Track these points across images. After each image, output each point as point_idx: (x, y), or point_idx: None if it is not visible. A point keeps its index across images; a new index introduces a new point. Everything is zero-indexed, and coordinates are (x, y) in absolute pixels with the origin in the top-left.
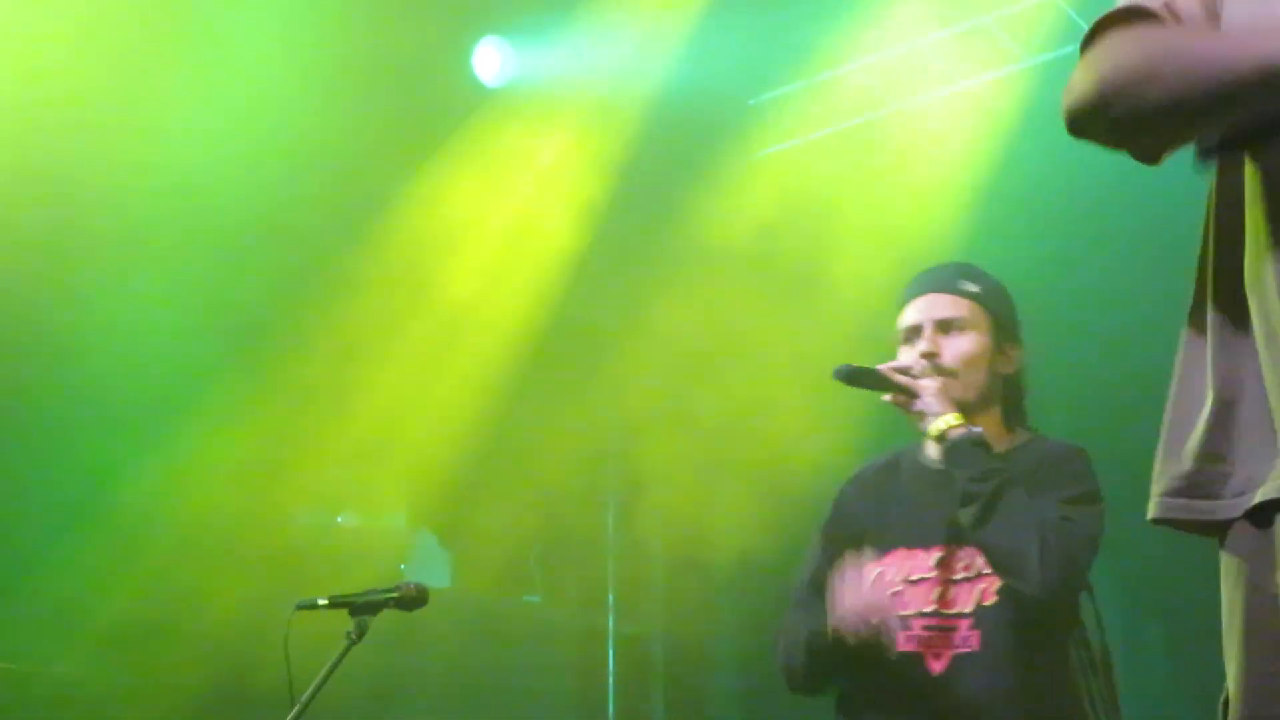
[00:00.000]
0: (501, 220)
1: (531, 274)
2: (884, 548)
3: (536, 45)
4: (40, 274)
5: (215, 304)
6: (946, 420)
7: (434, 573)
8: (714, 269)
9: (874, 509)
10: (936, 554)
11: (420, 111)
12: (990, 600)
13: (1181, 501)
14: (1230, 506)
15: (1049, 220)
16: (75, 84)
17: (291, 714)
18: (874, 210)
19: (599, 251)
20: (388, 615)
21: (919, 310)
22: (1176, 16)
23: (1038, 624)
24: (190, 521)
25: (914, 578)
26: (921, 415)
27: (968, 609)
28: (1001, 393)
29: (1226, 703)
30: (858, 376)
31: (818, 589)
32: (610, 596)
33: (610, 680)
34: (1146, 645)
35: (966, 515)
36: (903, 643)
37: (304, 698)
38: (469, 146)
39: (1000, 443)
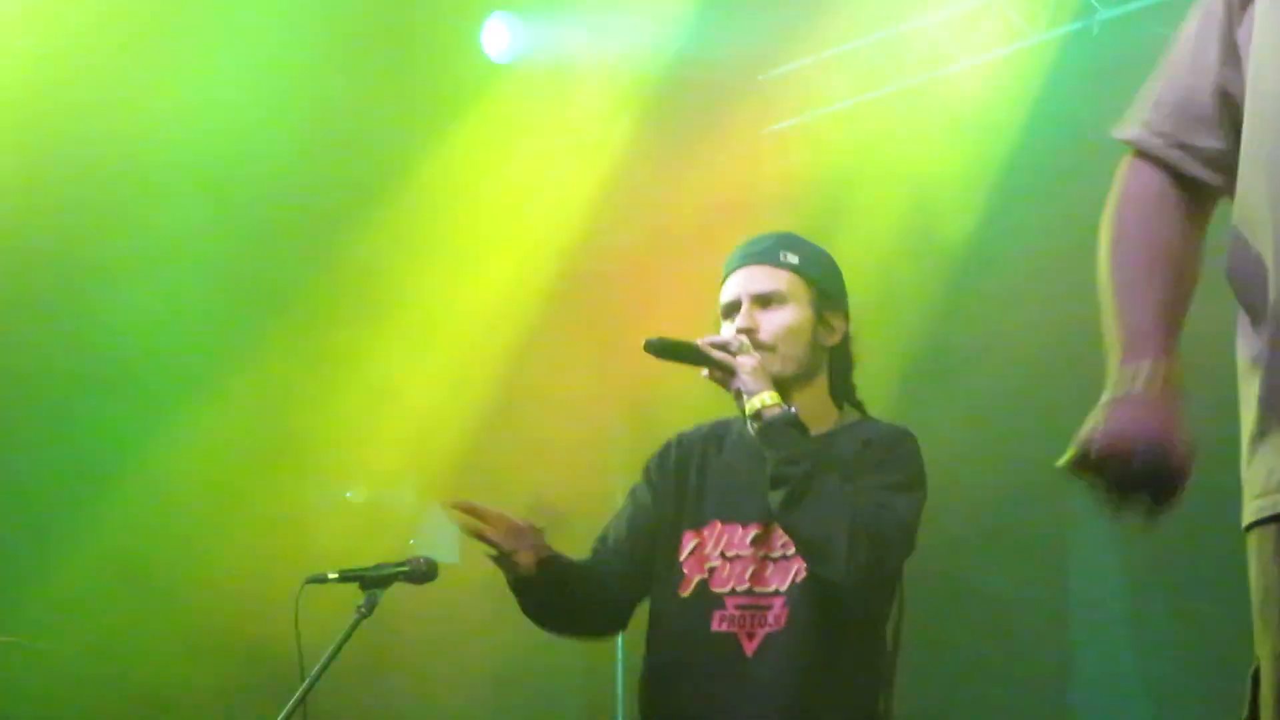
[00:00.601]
0: (511, 195)
1: (540, 248)
2: (701, 519)
3: (545, 20)
4: (65, 248)
5: (229, 275)
6: (761, 399)
7: (443, 548)
8: (721, 242)
9: (694, 476)
10: (754, 530)
11: (430, 87)
12: (803, 578)
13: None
14: None
15: (1060, 196)
16: (96, 60)
17: (301, 688)
18: (882, 187)
19: (607, 225)
20: (396, 589)
21: (737, 284)
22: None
23: (846, 608)
24: (200, 495)
25: (730, 554)
26: (739, 393)
27: (782, 587)
28: (827, 366)
29: (1257, 674)
30: (671, 350)
31: (604, 541)
32: None
33: (620, 654)
34: (1153, 619)
35: (775, 498)
36: (717, 623)
37: (314, 672)
38: (478, 122)
39: (825, 421)
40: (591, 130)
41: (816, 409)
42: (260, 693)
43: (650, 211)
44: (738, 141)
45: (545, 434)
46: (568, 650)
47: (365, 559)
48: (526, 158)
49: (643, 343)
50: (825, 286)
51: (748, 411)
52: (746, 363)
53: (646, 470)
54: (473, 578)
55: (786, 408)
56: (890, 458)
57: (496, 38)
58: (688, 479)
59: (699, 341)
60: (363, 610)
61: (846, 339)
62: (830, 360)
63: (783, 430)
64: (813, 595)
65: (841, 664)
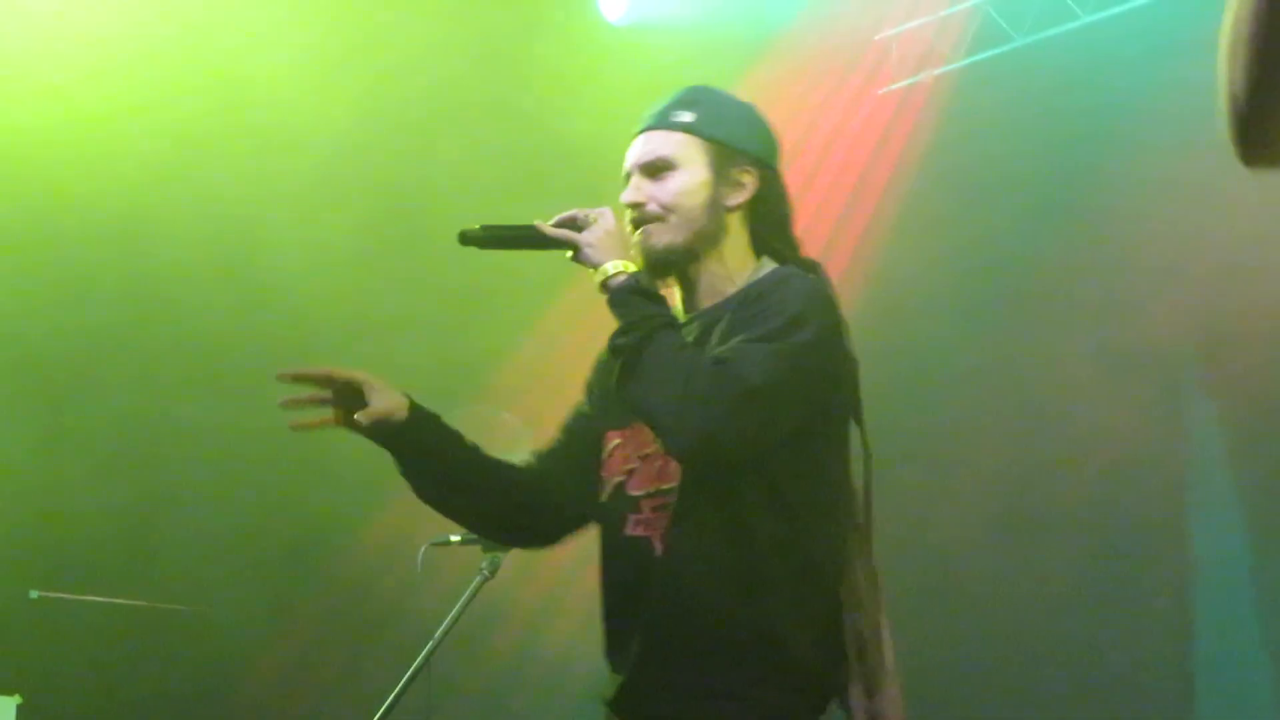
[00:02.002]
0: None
1: None
2: (624, 419)
3: None
4: (233, 225)
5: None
6: (603, 270)
7: None
8: (841, 208)
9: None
10: None
11: (548, 52)
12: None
13: None
14: None
15: (1183, 150)
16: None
17: (426, 648)
18: (1002, 146)
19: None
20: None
21: (631, 154)
22: None
23: (720, 496)
24: (341, 468)
25: (644, 453)
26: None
27: (676, 481)
28: (742, 223)
29: None
30: (498, 238)
31: (538, 450)
32: None
33: None
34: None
35: (615, 373)
36: (631, 527)
37: (438, 634)
38: (595, 86)
39: (737, 282)
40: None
41: (727, 271)
42: (386, 655)
43: None
44: (855, 101)
45: None
46: None
47: None
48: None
49: (457, 235)
50: (729, 140)
51: (596, 286)
52: (591, 234)
53: (587, 380)
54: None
55: (631, 275)
56: (761, 309)
57: (613, 1)
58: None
59: (537, 223)
60: (485, 572)
61: (767, 194)
62: (749, 218)
63: (625, 298)
64: (695, 482)
65: (751, 559)
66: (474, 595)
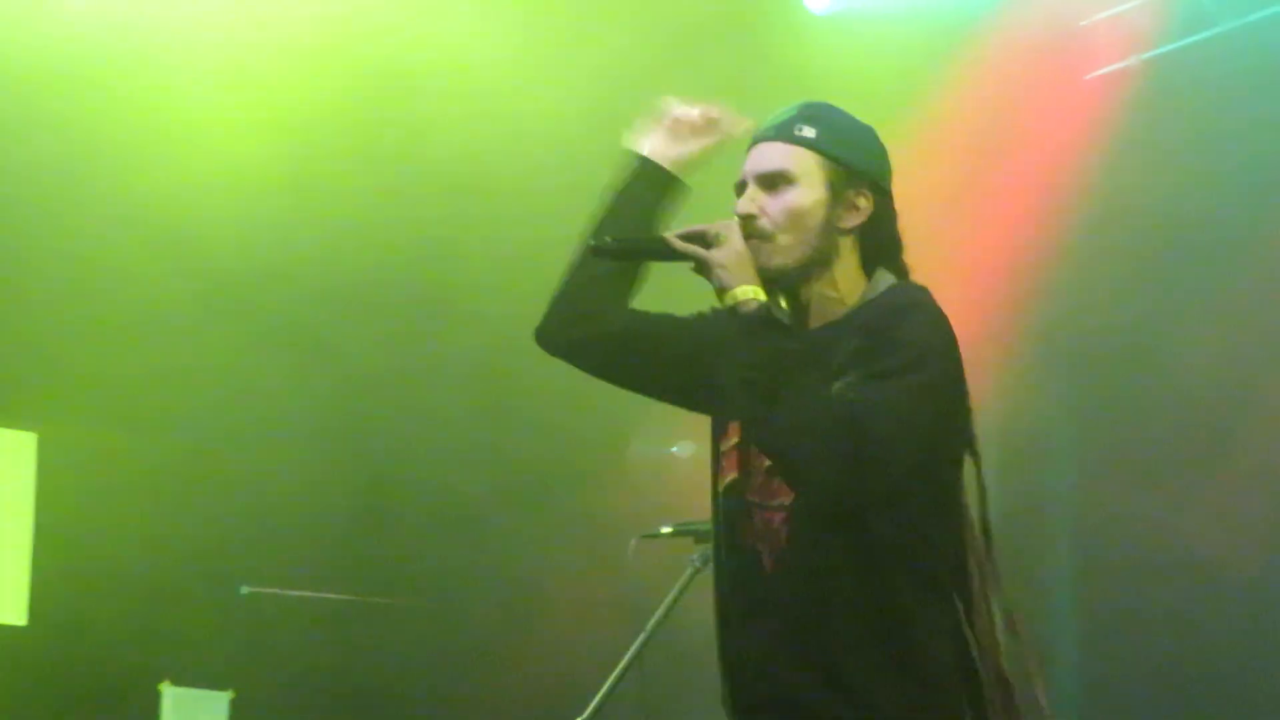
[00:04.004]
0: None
1: None
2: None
3: None
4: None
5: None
6: (733, 295)
7: None
8: (1046, 196)
9: None
10: None
11: (750, 42)
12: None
13: None
14: None
15: None
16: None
17: (637, 641)
18: (1209, 130)
19: (926, 175)
20: None
21: (748, 163)
22: None
23: (845, 529)
24: (534, 456)
25: (767, 464)
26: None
27: (787, 500)
28: (854, 246)
29: None
30: (627, 249)
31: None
32: None
33: None
34: None
35: (739, 405)
36: (742, 535)
37: (649, 625)
38: (799, 76)
39: (850, 299)
40: (912, 81)
41: (838, 294)
42: (595, 648)
43: (973, 158)
44: (1060, 89)
45: None
46: None
47: (694, 514)
48: (847, 109)
49: (590, 244)
50: (848, 162)
51: (726, 307)
52: (718, 255)
53: (708, 320)
54: None
55: (762, 303)
56: (883, 342)
57: None
58: None
59: (667, 235)
60: (697, 564)
61: (880, 218)
62: (860, 242)
63: (755, 329)
64: (807, 514)
65: (873, 586)
66: (686, 586)
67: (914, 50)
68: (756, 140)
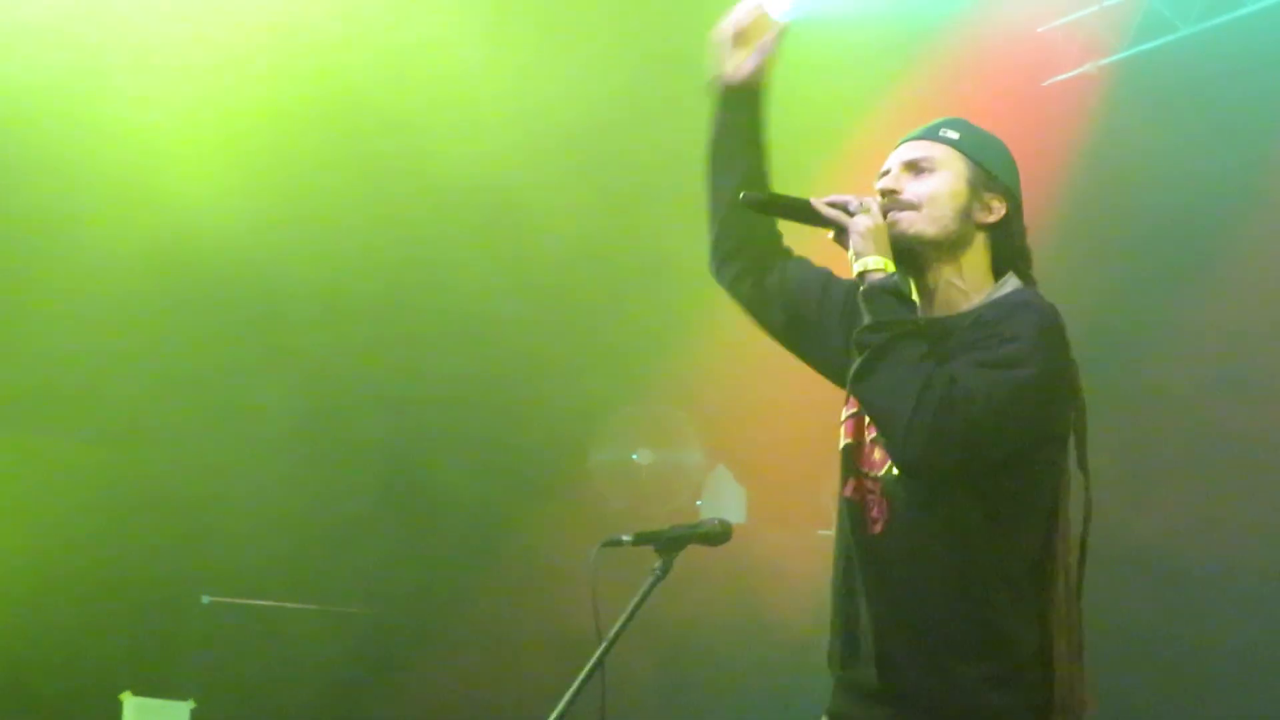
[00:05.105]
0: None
1: None
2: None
3: None
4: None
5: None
6: (865, 262)
7: (729, 508)
8: None
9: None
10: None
11: (709, 45)
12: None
13: None
14: None
15: None
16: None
17: (598, 651)
18: (1169, 136)
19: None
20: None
21: (893, 156)
22: None
23: (933, 498)
24: (515, 468)
25: (875, 435)
26: (853, 256)
27: (879, 472)
28: (985, 244)
29: None
30: (774, 204)
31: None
32: None
33: None
34: None
35: (853, 364)
36: (851, 490)
37: (611, 634)
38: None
39: (974, 297)
40: (871, 87)
41: (965, 286)
42: (557, 656)
43: None
44: (1019, 94)
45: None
46: None
47: (652, 522)
48: (809, 113)
49: (740, 195)
50: (986, 166)
51: (855, 274)
52: (861, 222)
53: (843, 289)
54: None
55: (891, 274)
56: (996, 331)
57: None
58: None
59: (814, 200)
60: (658, 572)
61: (1012, 224)
62: (992, 241)
63: (879, 296)
64: (901, 486)
65: (965, 559)
66: (647, 595)
67: (873, 57)
68: (902, 141)
